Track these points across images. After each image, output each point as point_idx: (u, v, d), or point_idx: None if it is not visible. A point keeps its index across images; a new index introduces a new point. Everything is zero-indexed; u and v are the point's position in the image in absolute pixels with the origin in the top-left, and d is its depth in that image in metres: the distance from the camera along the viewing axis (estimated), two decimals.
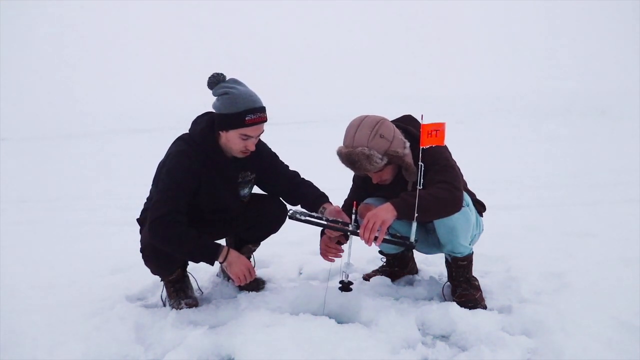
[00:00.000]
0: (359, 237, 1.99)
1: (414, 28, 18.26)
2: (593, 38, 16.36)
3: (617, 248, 3.02)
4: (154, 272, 2.36)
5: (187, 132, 2.30)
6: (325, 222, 2.10)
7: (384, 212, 1.95)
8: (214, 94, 2.18)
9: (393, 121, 2.25)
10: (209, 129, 2.21)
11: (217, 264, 2.84)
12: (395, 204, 1.98)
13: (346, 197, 2.51)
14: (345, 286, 2.10)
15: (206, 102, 2.28)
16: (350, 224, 2.11)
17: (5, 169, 7.90)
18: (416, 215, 1.96)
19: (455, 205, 2.05)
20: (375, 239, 1.95)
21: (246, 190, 2.43)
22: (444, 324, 2.10)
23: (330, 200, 2.37)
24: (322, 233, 2.32)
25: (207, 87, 2.18)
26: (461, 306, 2.20)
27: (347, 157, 2.08)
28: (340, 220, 2.14)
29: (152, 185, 2.38)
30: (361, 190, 2.41)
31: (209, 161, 2.22)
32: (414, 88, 13.71)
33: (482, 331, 2.00)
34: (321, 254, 2.29)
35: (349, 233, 2.08)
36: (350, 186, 2.52)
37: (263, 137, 2.36)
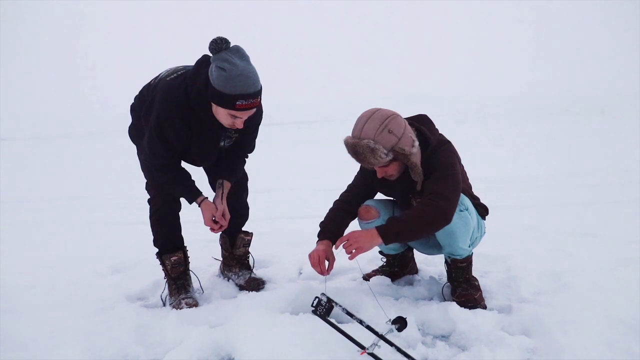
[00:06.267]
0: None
1: (416, 28, 18.28)
2: (593, 37, 16.37)
3: (617, 248, 3.02)
4: (155, 242, 2.48)
5: (187, 71, 2.20)
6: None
7: (364, 240, 2.02)
8: (212, 61, 2.05)
9: (407, 118, 2.21)
10: (205, 90, 2.09)
11: (216, 263, 2.88)
12: (380, 230, 2.01)
13: (350, 182, 2.46)
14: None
15: None
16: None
17: (5, 169, 7.89)
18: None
19: (442, 219, 2.03)
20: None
21: (227, 142, 2.40)
22: (443, 324, 2.11)
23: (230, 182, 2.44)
24: (319, 237, 2.29)
25: (207, 49, 2.07)
26: (461, 306, 2.20)
27: (352, 147, 2.07)
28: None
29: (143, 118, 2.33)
30: (367, 179, 2.37)
31: (196, 118, 2.18)
32: (416, 88, 13.69)
33: (482, 331, 2.01)
34: (311, 257, 2.19)
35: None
36: (357, 171, 2.46)
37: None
